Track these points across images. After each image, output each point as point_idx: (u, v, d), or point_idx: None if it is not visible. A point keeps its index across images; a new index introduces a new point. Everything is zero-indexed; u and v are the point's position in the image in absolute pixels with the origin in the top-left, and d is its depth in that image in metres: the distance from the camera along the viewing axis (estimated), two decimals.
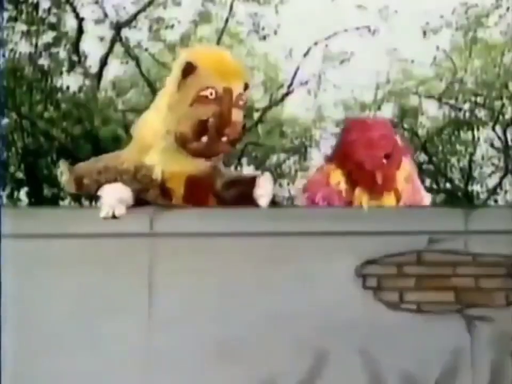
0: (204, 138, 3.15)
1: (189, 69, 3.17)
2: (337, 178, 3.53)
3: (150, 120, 3.30)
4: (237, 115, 3.18)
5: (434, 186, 12.56)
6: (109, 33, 11.68)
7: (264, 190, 3.11)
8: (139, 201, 3.11)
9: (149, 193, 3.16)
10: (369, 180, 3.45)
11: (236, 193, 3.18)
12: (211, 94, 3.13)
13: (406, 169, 3.64)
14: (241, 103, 3.21)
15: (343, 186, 3.52)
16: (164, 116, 3.21)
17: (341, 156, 3.58)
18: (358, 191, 3.48)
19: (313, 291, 2.96)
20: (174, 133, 3.17)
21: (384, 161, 3.49)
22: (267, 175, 3.21)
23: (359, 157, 3.46)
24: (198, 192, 3.21)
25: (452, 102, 12.61)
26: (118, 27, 11.64)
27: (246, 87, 3.27)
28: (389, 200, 3.54)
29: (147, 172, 3.18)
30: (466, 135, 12.60)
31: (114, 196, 3.01)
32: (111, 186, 3.07)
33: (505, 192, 12.43)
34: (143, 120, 3.38)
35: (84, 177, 3.22)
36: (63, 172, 3.22)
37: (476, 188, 12.66)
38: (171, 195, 3.20)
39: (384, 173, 3.48)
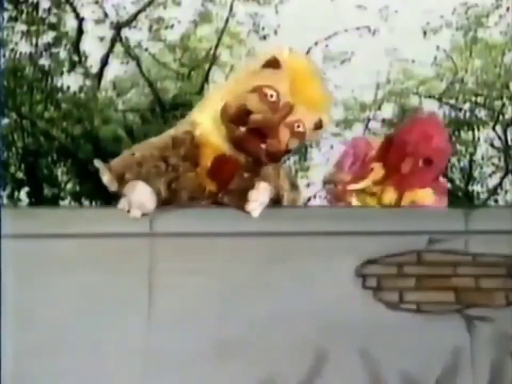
0: (242, 129, 3.05)
1: (272, 63, 3.08)
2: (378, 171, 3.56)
3: (221, 87, 3.24)
4: (284, 134, 3.05)
5: None
6: (109, 33, 11.70)
7: (256, 204, 2.99)
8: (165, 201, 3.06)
9: (184, 165, 3.11)
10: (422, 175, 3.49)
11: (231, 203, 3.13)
12: (271, 96, 3.03)
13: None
14: (297, 129, 3.07)
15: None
16: (229, 88, 3.17)
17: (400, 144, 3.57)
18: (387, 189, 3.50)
19: (313, 291, 2.96)
20: (224, 103, 3.09)
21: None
22: (262, 186, 3.04)
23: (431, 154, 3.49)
24: (223, 173, 3.12)
25: (452, 102, 12.61)
26: (118, 27, 11.65)
27: (318, 125, 3.15)
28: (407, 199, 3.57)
29: (189, 128, 3.15)
30: (466, 135, 12.60)
31: (140, 196, 2.97)
32: (135, 185, 3.01)
33: (506, 192, 12.43)
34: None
35: (125, 173, 3.12)
36: (103, 172, 3.09)
37: (476, 187, 12.66)
38: (198, 160, 3.13)
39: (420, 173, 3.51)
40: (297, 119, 3.07)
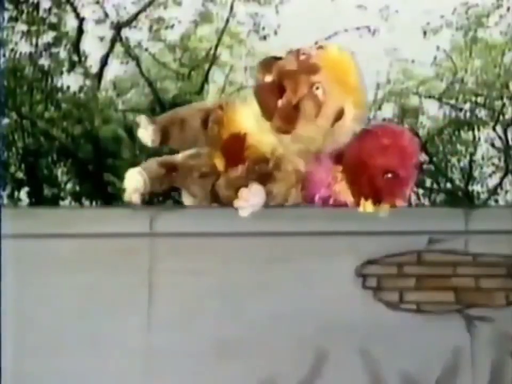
0: (268, 78, 3.09)
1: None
2: (342, 187, 3.32)
3: None
4: (302, 88, 3.05)
5: (435, 186, 12.56)
6: (109, 33, 11.69)
7: (245, 202, 2.97)
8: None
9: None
10: (394, 190, 3.31)
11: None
12: (303, 54, 3.14)
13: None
14: (315, 90, 3.07)
15: (346, 196, 3.30)
16: None
17: (356, 162, 3.32)
18: (363, 201, 3.35)
19: (313, 291, 2.96)
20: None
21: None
22: (255, 187, 3.02)
23: (391, 166, 3.23)
24: (234, 150, 3.15)
25: (452, 102, 12.60)
26: (118, 27, 11.64)
27: (339, 114, 3.11)
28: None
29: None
30: (466, 135, 12.59)
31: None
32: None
33: (506, 192, 12.42)
34: None
35: (168, 128, 3.21)
36: (145, 125, 3.17)
37: (476, 187, 12.65)
38: (214, 132, 3.19)
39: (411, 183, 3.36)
40: (319, 81, 3.07)
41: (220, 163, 3.16)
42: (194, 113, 3.24)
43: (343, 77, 3.14)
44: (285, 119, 3.05)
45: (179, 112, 3.33)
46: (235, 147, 3.14)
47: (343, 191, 3.27)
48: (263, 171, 3.09)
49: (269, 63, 3.12)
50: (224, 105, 3.26)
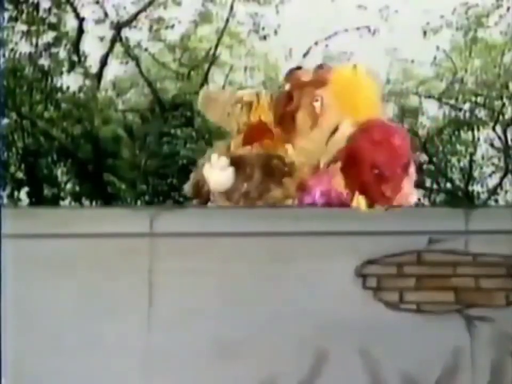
0: (286, 86, 3.28)
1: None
2: (340, 182, 3.35)
3: None
4: (303, 99, 3.24)
5: (435, 186, 12.56)
6: (109, 33, 11.69)
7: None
8: None
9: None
10: (377, 187, 3.29)
11: None
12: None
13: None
14: (314, 102, 3.24)
15: (343, 189, 3.33)
16: None
17: (349, 154, 3.35)
18: (357, 196, 3.34)
19: (313, 291, 2.96)
20: None
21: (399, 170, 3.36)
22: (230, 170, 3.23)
23: (377, 162, 3.26)
24: (256, 135, 3.29)
25: (452, 102, 12.60)
26: (118, 27, 11.64)
27: (334, 128, 3.26)
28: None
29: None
30: (466, 135, 12.60)
31: None
32: None
33: (506, 192, 12.42)
34: None
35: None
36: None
37: (476, 188, 12.65)
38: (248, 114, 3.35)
39: (395, 184, 3.37)
40: (321, 95, 3.21)
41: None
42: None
43: (348, 95, 3.22)
44: (282, 126, 3.17)
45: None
46: (257, 133, 3.31)
47: (341, 184, 3.31)
48: (278, 168, 3.16)
49: (290, 73, 3.32)
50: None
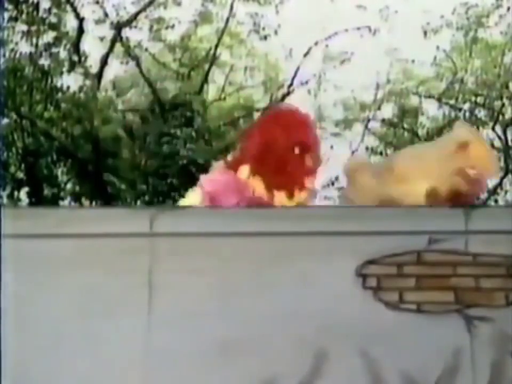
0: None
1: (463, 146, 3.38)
2: (255, 185, 3.28)
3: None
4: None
5: None
6: (109, 33, 11.72)
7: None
8: None
9: None
10: (301, 163, 3.28)
11: None
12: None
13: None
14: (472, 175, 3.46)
15: (261, 192, 3.27)
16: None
17: (260, 151, 3.29)
18: (277, 194, 3.28)
19: (313, 291, 2.96)
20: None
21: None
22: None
23: (294, 139, 3.25)
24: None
25: (452, 102, 12.62)
26: (118, 27, 11.66)
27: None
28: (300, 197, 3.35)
29: None
30: None
31: None
32: None
33: (506, 192, 12.43)
34: None
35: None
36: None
37: None
38: None
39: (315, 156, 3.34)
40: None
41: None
42: None
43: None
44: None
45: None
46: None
47: (258, 185, 3.27)
48: None
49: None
50: None
